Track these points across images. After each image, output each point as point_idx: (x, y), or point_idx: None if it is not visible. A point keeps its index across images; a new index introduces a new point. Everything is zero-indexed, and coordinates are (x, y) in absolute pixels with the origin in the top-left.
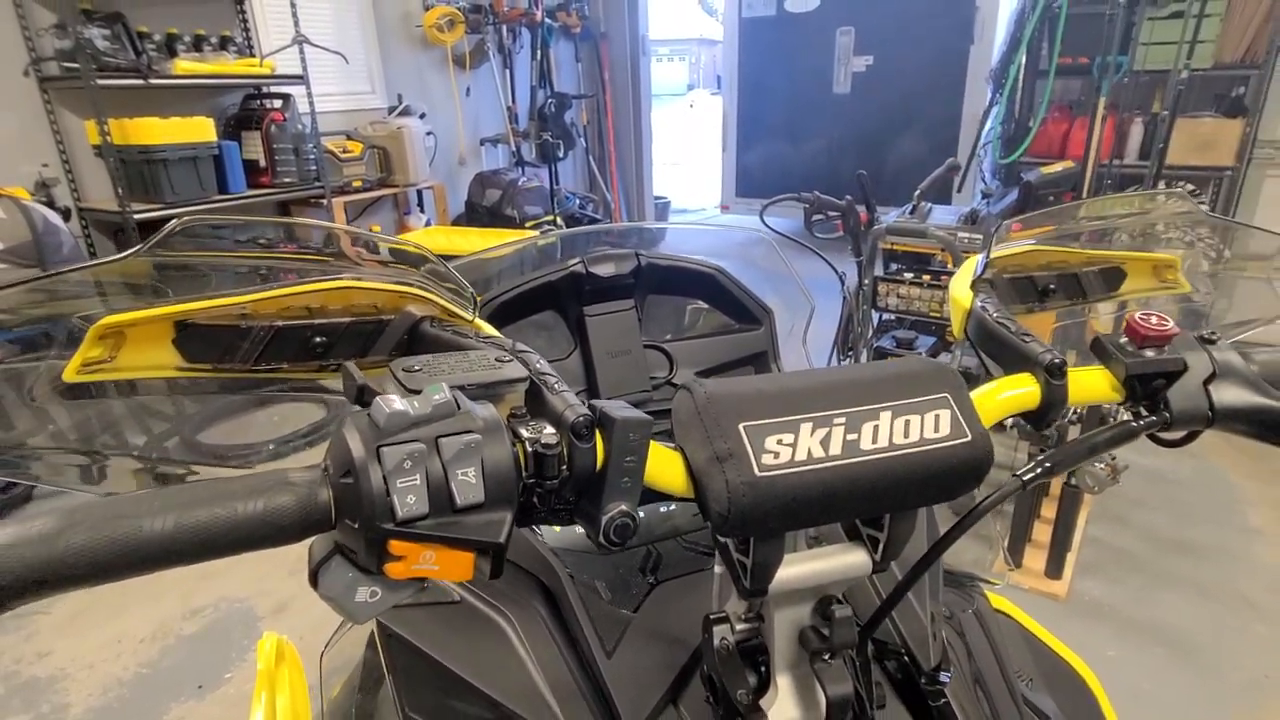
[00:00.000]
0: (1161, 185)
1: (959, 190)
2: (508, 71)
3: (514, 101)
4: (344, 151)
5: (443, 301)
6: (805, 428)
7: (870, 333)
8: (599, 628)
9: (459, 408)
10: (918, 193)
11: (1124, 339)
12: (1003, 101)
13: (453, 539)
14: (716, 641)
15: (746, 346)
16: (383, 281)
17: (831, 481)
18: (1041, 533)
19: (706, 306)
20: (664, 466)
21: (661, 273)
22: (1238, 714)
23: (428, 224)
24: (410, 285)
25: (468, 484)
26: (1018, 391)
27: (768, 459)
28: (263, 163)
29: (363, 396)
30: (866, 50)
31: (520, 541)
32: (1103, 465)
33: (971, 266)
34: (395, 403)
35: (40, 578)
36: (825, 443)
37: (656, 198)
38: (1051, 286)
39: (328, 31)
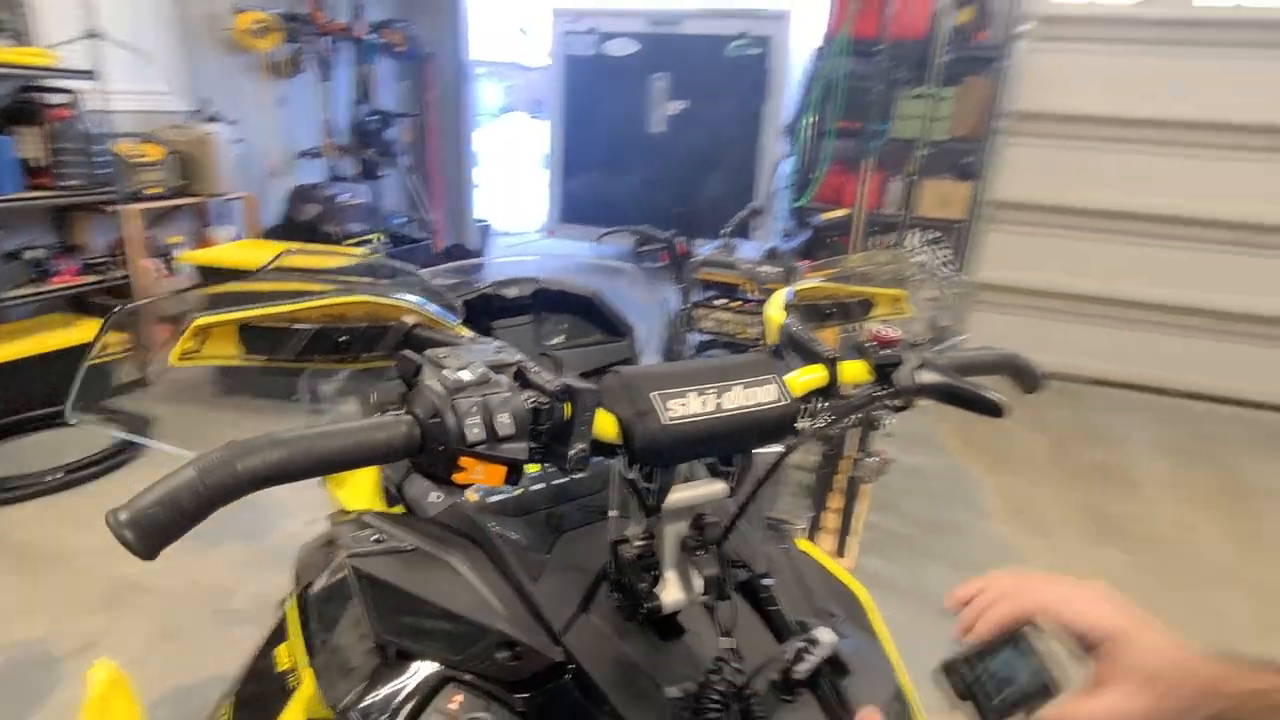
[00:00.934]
0: (915, 234)
1: (759, 229)
2: (327, 84)
3: (333, 115)
4: (139, 155)
5: (427, 312)
6: (691, 394)
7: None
8: (524, 565)
9: (491, 377)
10: (725, 230)
11: (872, 342)
12: (795, 154)
13: (496, 457)
14: (624, 555)
15: (616, 354)
16: (384, 297)
17: (708, 428)
18: (831, 520)
19: (585, 322)
20: (603, 422)
21: (553, 296)
22: None
23: (236, 237)
24: (405, 300)
25: (504, 423)
26: (813, 375)
27: (670, 414)
28: (42, 162)
29: (416, 373)
30: (680, 95)
31: (453, 510)
32: (875, 459)
33: (781, 296)
34: (457, 373)
35: (273, 474)
36: (704, 404)
37: (477, 220)
38: (831, 310)
39: (122, 23)
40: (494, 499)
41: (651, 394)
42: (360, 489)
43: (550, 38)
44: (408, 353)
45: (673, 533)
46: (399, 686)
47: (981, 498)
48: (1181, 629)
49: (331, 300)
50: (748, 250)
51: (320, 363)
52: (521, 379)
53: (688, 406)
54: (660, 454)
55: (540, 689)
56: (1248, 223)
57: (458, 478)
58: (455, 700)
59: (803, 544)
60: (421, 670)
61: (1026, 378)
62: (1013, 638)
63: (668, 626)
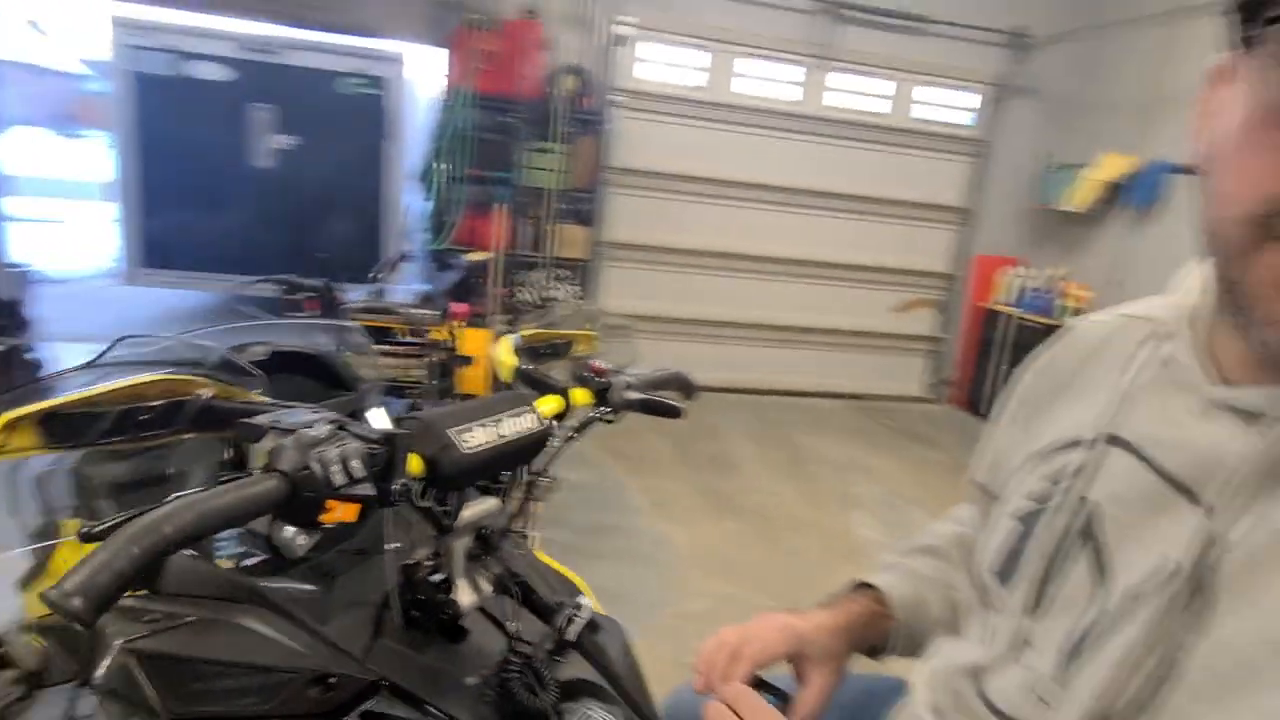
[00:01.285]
0: (549, 272)
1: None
2: None
3: None
4: None
5: (219, 384)
6: (477, 428)
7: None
8: (308, 610)
9: (335, 432)
10: (375, 274)
11: (590, 373)
12: (429, 198)
13: (356, 496)
14: (419, 576)
15: (349, 405)
16: (177, 373)
17: (495, 453)
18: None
19: (316, 381)
20: (412, 460)
21: (286, 357)
22: (659, 635)
23: None
24: (195, 375)
25: (357, 468)
26: (553, 404)
27: (466, 445)
28: None
29: (260, 438)
30: (290, 129)
31: (220, 579)
32: (545, 481)
33: (509, 341)
34: (309, 431)
35: (188, 534)
36: (488, 434)
37: (11, 264)
38: (544, 351)
39: None
40: (250, 562)
41: (449, 430)
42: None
43: (109, 47)
44: (251, 420)
45: (460, 547)
46: None
47: (631, 498)
48: (781, 567)
49: (130, 381)
50: (400, 294)
51: (122, 444)
52: (345, 431)
53: (477, 437)
54: (461, 478)
55: (358, 712)
56: (789, 258)
57: (325, 518)
58: None
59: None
60: None
61: (688, 388)
62: (757, 684)
63: (454, 632)
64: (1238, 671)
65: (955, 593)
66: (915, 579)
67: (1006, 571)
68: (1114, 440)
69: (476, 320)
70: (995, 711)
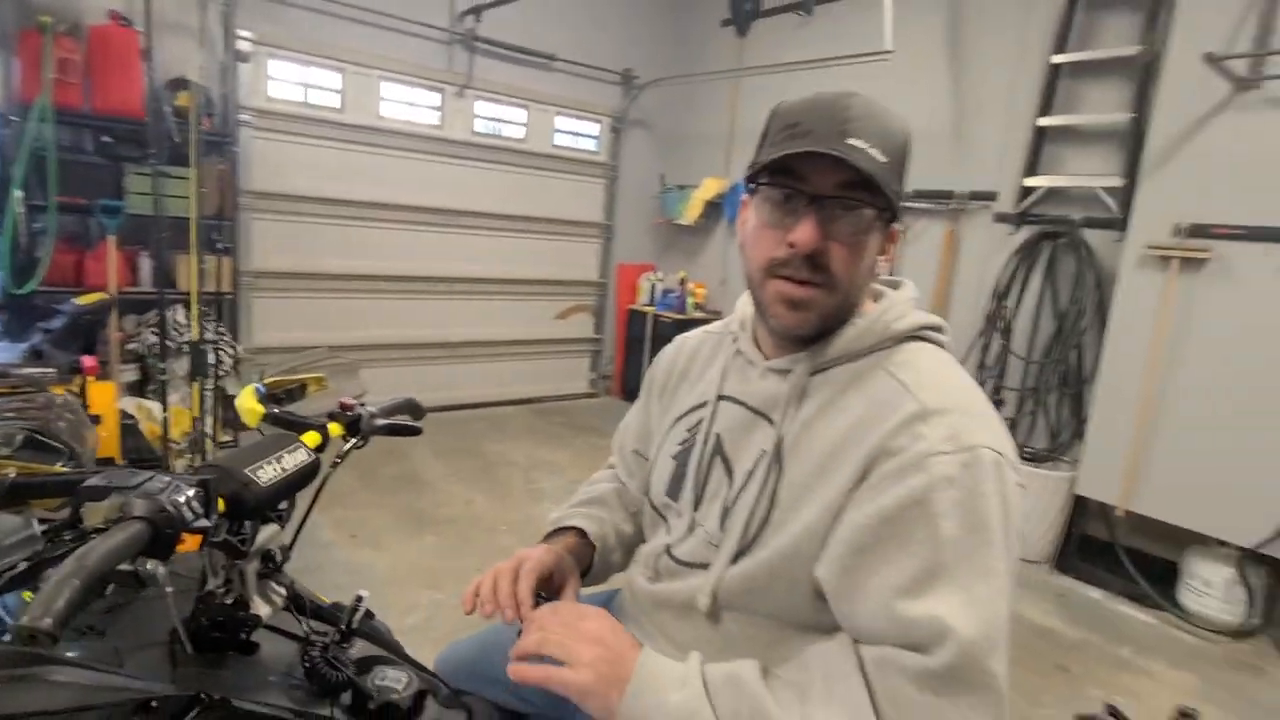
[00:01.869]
0: (180, 309)
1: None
2: None
3: None
4: None
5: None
6: (266, 465)
7: None
8: (102, 659)
9: (168, 483)
10: None
11: (339, 409)
12: (5, 236)
13: (200, 529)
14: (216, 601)
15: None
16: None
17: (283, 484)
18: None
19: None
20: (220, 502)
21: None
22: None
23: None
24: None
25: (197, 507)
26: (314, 439)
27: (263, 479)
28: None
29: (104, 496)
30: None
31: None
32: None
33: (251, 391)
34: (149, 484)
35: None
36: (275, 470)
37: None
38: (282, 395)
39: None
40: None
41: (245, 470)
42: None
43: None
44: (90, 484)
45: (252, 570)
46: None
47: (322, 535)
48: (484, 567)
49: None
50: (2, 354)
51: None
52: (173, 480)
53: (268, 473)
54: (259, 509)
55: None
56: (452, 277)
57: (181, 548)
58: None
59: None
60: None
61: (418, 411)
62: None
63: (246, 647)
64: (800, 490)
65: (623, 528)
66: (599, 522)
67: (675, 489)
68: (722, 397)
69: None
70: (681, 563)
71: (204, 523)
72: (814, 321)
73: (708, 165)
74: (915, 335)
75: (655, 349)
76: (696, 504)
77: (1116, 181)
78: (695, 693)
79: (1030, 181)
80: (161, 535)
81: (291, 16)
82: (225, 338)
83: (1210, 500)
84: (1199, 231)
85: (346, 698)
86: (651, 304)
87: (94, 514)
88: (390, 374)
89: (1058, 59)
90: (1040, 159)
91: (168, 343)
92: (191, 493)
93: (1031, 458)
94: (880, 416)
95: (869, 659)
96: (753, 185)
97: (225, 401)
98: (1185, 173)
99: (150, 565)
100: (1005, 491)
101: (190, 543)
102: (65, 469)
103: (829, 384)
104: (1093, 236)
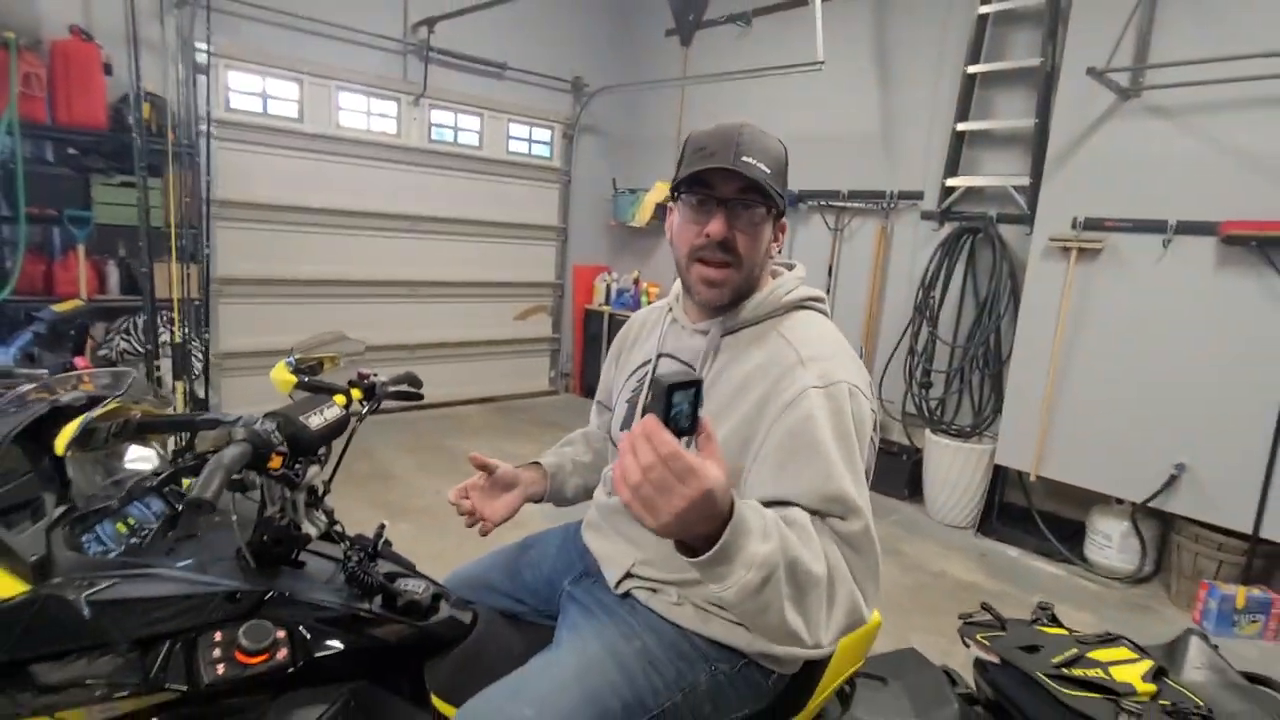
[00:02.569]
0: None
1: None
2: None
3: None
4: None
5: (145, 405)
6: (313, 414)
7: None
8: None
9: (259, 418)
10: None
11: (358, 377)
12: None
13: (279, 450)
14: (277, 523)
15: None
16: (123, 402)
17: (325, 432)
18: None
19: None
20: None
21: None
22: None
23: None
24: (127, 402)
25: (278, 437)
26: (341, 400)
27: (315, 424)
28: None
29: (210, 427)
30: None
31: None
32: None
33: (283, 364)
34: (251, 419)
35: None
36: (319, 419)
37: None
38: (306, 368)
39: None
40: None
41: (300, 418)
42: None
43: None
44: (204, 418)
45: (301, 499)
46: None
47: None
48: (457, 548)
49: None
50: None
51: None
52: (262, 417)
53: (315, 420)
54: (313, 446)
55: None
56: (415, 281)
57: (272, 465)
58: (218, 637)
59: None
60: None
61: (417, 382)
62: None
63: (295, 563)
64: (716, 417)
65: (580, 458)
66: (560, 456)
67: (627, 424)
68: (661, 355)
69: None
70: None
71: (283, 447)
72: (728, 294)
73: (657, 169)
74: (801, 305)
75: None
76: None
77: (1025, 181)
78: (776, 545)
79: (951, 181)
80: (259, 452)
81: (248, 29)
82: (194, 343)
83: (1107, 463)
84: (1093, 224)
85: (378, 600)
86: (607, 303)
87: (204, 441)
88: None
89: (973, 69)
90: (960, 161)
91: (145, 348)
92: (272, 425)
93: (957, 433)
94: (773, 365)
95: (815, 522)
96: (676, 194)
97: (197, 404)
98: (1081, 173)
99: (251, 476)
100: (858, 411)
101: (275, 461)
102: (174, 413)
103: (737, 342)
104: (1006, 231)
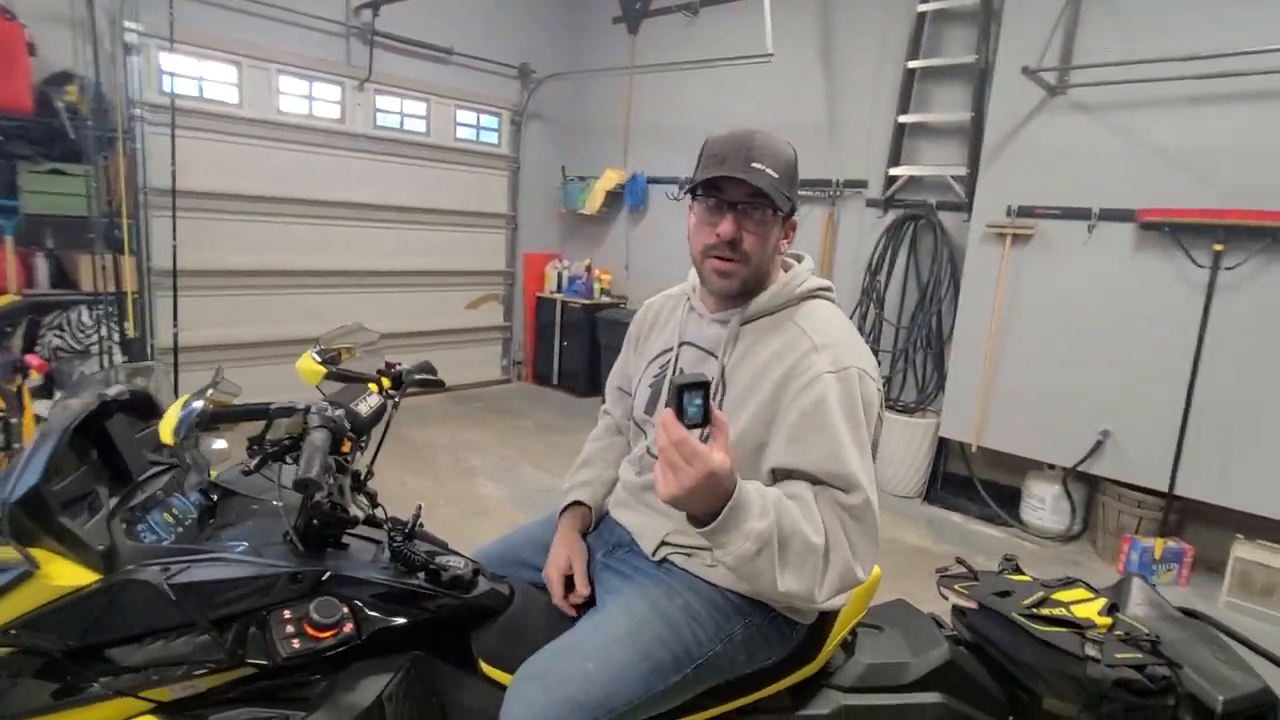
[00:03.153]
0: (84, 310)
1: None
2: None
3: None
4: None
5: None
6: (361, 403)
7: None
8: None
9: (324, 406)
10: None
11: (384, 366)
12: None
13: (349, 435)
14: (324, 506)
15: None
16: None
17: (372, 418)
18: None
19: None
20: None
21: None
22: None
23: None
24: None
25: (346, 424)
26: (376, 386)
27: (361, 411)
28: None
29: (285, 415)
30: None
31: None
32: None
33: (309, 355)
34: (323, 408)
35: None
36: (365, 406)
37: None
38: (329, 359)
39: None
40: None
41: (350, 405)
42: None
43: None
44: (279, 406)
45: (348, 483)
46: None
47: None
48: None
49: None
50: None
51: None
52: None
53: (363, 407)
54: (361, 432)
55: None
56: (365, 270)
57: (344, 449)
58: (286, 614)
59: None
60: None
61: (433, 370)
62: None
63: (340, 545)
64: (738, 401)
65: (605, 474)
66: (591, 486)
67: (651, 408)
68: (683, 343)
69: None
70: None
71: (351, 432)
72: (736, 285)
73: (607, 157)
74: (813, 295)
75: (565, 335)
76: None
77: (963, 171)
78: (771, 520)
79: (894, 171)
80: (335, 437)
81: (181, 8)
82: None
83: (1040, 432)
84: (1026, 212)
85: (422, 576)
86: (559, 291)
87: (278, 428)
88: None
89: (912, 64)
90: (902, 151)
91: (74, 345)
92: (341, 412)
93: (904, 409)
94: (789, 351)
95: (817, 494)
96: (692, 196)
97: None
98: (1014, 163)
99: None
100: (867, 393)
101: (345, 445)
102: (245, 404)
103: (755, 330)
104: (946, 218)
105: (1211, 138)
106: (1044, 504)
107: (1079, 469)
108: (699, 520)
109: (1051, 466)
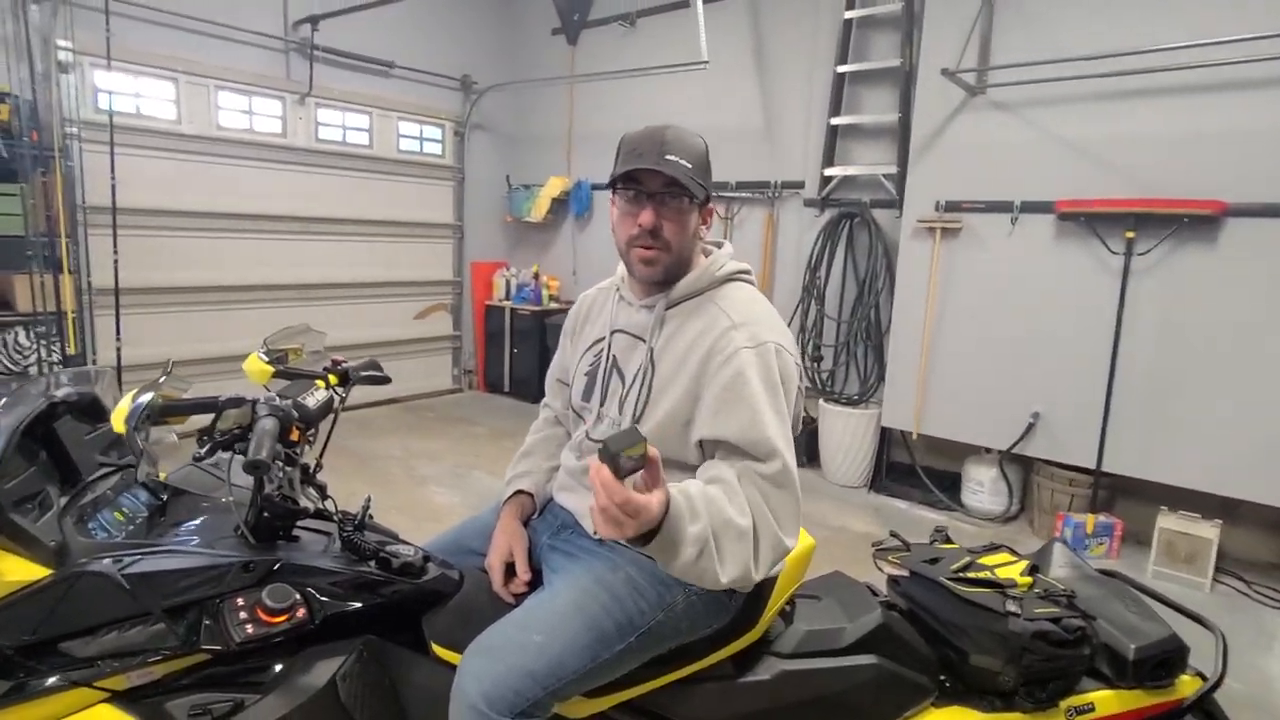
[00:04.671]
0: (19, 331)
1: None
2: None
3: None
4: None
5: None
6: (309, 398)
7: None
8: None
9: (272, 397)
10: None
11: (331, 364)
12: None
13: (298, 424)
14: (275, 497)
15: None
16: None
17: (319, 412)
18: None
19: None
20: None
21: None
22: None
23: None
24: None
25: (294, 414)
26: (322, 384)
27: (310, 404)
28: None
29: (234, 406)
30: None
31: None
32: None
33: (256, 355)
34: (270, 398)
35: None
36: (314, 400)
37: None
38: (276, 359)
39: None
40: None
41: (298, 399)
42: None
43: None
44: (228, 398)
45: (297, 476)
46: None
47: None
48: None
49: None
50: None
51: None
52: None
53: (310, 402)
54: (310, 424)
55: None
56: (310, 284)
57: (292, 436)
58: (240, 601)
59: None
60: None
61: (379, 368)
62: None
63: (290, 537)
64: (666, 381)
65: (545, 464)
66: (534, 472)
67: (588, 394)
68: (614, 331)
69: None
70: (597, 441)
71: (301, 422)
72: (660, 272)
73: (551, 165)
74: (732, 278)
75: (515, 342)
76: (603, 401)
77: (893, 169)
78: (704, 523)
79: (829, 171)
80: (283, 425)
81: (116, 26)
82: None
83: (977, 417)
84: (953, 207)
85: (373, 564)
86: (508, 298)
87: (227, 419)
88: (244, 384)
89: (841, 69)
90: (835, 152)
91: (11, 366)
92: (289, 403)
93: (847, 402)
94: (710, 330)
95: (738, 470)
96: (613, 190)
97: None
98: (940, 161)
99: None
100: (784, 366)
101: (294, 433)
102: (194, 397)
103: (679, 314)
104: (879, 214)
105: (1121, 131)
106: (983, 487)
107: (1013, 451)
108: (639, 540)
109: (988, 450)
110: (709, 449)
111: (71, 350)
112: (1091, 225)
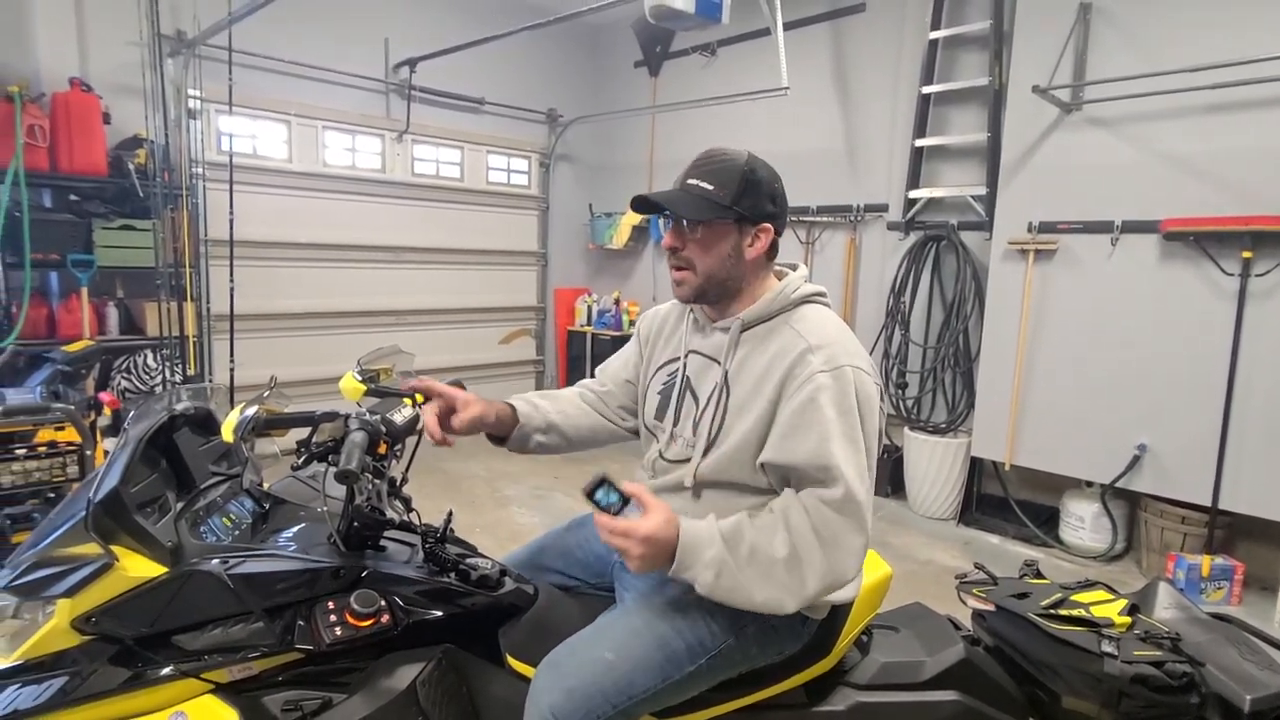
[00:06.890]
0: (149, 354)
1: None
2: None
3: None
4: None
5: (268, 405)
6: (396, 414)
7: None
8: (300, 548)
9: (363, 413)
10: None
11: (417, 383)
12: None
13: (386, 439)
14: (364, 509)
15: None
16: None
17: (407, 427)
18: None
19: None
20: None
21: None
22: None
23: None
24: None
25: (383, 429)
26: (409, 402)
27: (397, 421)
28: None
29: (330, 420)
30: None
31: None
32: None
33: (351, 374)
34: (363, 413)
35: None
36: (402, 416)
37: None
38: (369, 378)
39: None
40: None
41: (388, 415)
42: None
43: None
44: (325, 413)
45: (384, 488)
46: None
47: None
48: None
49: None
50: (16, 396)
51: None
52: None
53: (398, 417)
54: (397, 439)
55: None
56: (405, 309)
57: (380, 450)
58: (330, 605)
59: None
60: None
61: (463, 388)
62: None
63: (378, 546)
64: (741, 405)
65: (552, 418)
66: (534, 406)
67: (661, 414)
68: (690, 352)
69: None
70: (670, 461)
71: (387, 437)
72: (688, 292)
73: (632, 193)
74: (806, 300)
75: (595, 366)
76: (676, 421)
77: (982, 190)
78: (720, 548)
79: (914, 194)
80: (372, 438)
81: (236, 75)
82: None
83: (1075, 448)
84: (1047, 228)
85: (453, 575)
86: (589, 324)
87: (322, 432)
88: (347, 404)
89: (926, 90)
90: (920, 174)
91: (140, 385)
92: (378, 418)
93: (934, 430)
94: (786, 354)
95: (801, 496)
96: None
97: None
98: (1033, 180)
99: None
100: (861, 387)
101: (382, 447)
102: (294, 411)
103: (754, 336)
104: (968, 237)
105: (1229, 145)
106: (1083, 523)
107: (1118, 485)
108: (667, 567)
109: (1089, 484)
110: (775, 473)
111: (192, 370)
112: (1201, 245)
